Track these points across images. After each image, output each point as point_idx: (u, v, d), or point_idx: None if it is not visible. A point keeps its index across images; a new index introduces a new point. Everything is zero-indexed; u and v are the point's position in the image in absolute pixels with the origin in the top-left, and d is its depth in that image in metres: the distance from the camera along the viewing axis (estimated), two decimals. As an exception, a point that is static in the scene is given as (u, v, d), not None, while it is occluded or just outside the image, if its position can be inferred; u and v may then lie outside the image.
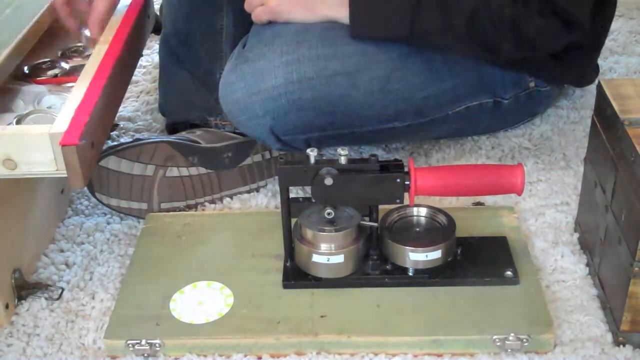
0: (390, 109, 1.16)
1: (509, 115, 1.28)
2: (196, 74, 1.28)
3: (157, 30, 1.62)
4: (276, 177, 1.22)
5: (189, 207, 1.18)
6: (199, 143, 1.19)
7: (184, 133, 1.23)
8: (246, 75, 1.11)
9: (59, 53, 1.23)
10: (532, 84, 1.25)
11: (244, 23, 1.23)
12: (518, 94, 1.24)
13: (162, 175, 1.16)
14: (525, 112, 1.31)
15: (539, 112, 1.35)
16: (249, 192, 1.22)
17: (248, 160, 1.21)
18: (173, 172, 1.16)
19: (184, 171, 1.17)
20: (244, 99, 1.11)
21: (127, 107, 1.48)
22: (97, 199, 1.17)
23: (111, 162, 1.14)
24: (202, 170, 1.18)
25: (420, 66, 1.15)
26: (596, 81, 1.06)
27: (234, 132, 1.22)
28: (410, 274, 1.00)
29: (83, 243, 1.13)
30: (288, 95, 1.11)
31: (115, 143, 1.21)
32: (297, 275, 1.01)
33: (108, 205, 1.17)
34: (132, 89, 1.53)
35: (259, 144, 1.21)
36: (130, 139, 1.26)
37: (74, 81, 1.01)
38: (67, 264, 1.09)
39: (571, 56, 1.23)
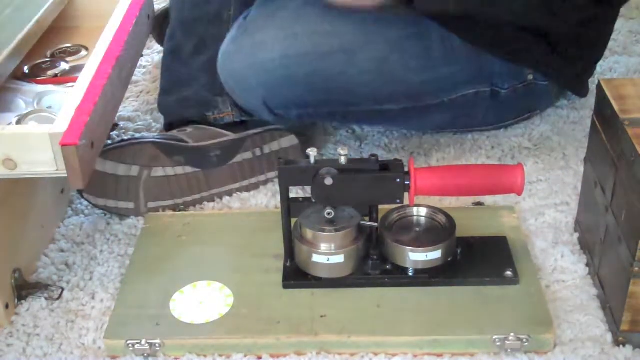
0: (385, 89, 1.16)
1: (507, 108, 1.28)
2: (198, 61, 1.27)
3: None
4: (268, 174, 1.23)
5: (177, 206, 1.18)
6: (185, 142, 1.18)
7: (175, 131, 1.23)
8: (244, 47, 1.11)
9: (49, 53, 1.24)
10: (530, 77, 1.25)
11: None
12: (516, 86, 1.24)
13: (148, 175, 1.16)
14: (523, 106, 1.31)
15: (538, 108, 1.35)
16: (239, 189, 1.22)
17: (238, 158, 1.20)
18: (158, 172, 1.16)
19: (170, 171, 1.17)
20: (241, 71, 1.12)
21: (127, 107, 1.48)
22: (86, 199, 1.17)
23: (96, 163, 1.14)
24: (189, 169, 1.18)
25: (418, 51, 1.16)
26: (596, 81, 1.06)
27: (230, 126, 1.22)
28: (410, 274, 1.00)
29: (83, 243, 1.13)
30: (283, 69, 1.11)
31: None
32: (297, 275, 1.01)
33: (96, 205, 1.17)
34: (132, 89, 1.53)
35: (249, 142, 1.21)
36: (120, 140, 1.27)
37: (74, 81, 1.01)
38: (67, 264, 1.09)
39: (570, 52, 1.23)
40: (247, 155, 1.21)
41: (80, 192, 1.17)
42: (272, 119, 1.18)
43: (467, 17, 1.15)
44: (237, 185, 1.21)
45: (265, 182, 1.23)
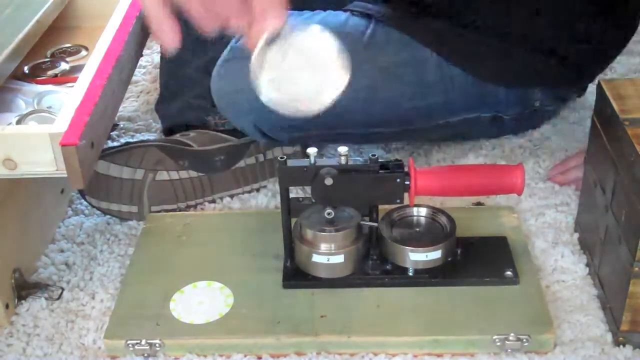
0: (375, 116, 1.15)
1: (508, 128, 1.28)
2: (198, 62, 1.25)
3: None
4: (270, 178, 1.23)
5: (180, 210, 1.18)
6: (190, 146, 1.18)
7: (177, 135, 1.22)
8: (233, 72, 1.11)
9: (49, 53, 1.24)
10: (537, 104, 1.22)
11: None
12: (521, 111, 1.22)
13: (152, 179, 1.15)
14: (525, 126, 1.31)
15: (538, 126, 1.34)
16: (242, 194, 1.22)
17: (241, 163, 1.20)
18: (163, 175, 1.16)
19: (174, 175, 1.16)
20: (230, 95, 1.12)
21: (127, 107, 1.48)
22: (88, 202, 1.17)
23: (100, 166, 1.13)
24: (193, 173, 1.17)
25: (412, 78, 1.14)
26: (596, 81, 1.06)
27: (231, 132, 1.22)
28: (410, 274, 1.00)
29: (83, 243, 1.13)
30: None
31: (104, 146, 1.20)
32: (297, 275, 1.01)
33: (98, 208, 1.16)
34: (132, 89, 1.53)
35: (252, 147, 1.21)
36: (123, 142, 1.25)
37: (74, 81, 1.01)
38: (67, 264, 1.09)
39: (583, 63, 1.19)
40: (251, 160, 1.21)
41: (82, 195, 1.17)
42: (263, 141, 1.18)
43: (472, 47, 1.13)
44: (239, 190, 1.21)
45: (266, 187, 1.23)
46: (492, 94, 1.19)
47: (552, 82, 1.20)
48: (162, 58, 1.34)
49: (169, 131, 1.30)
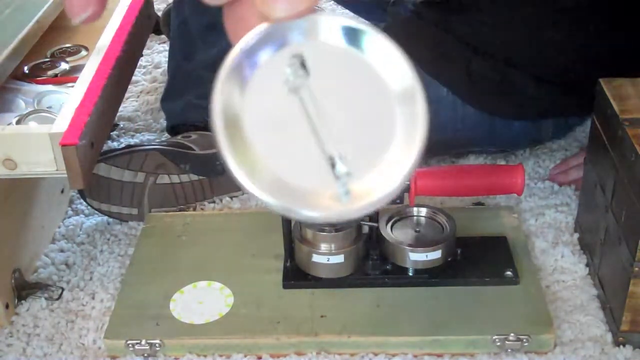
0: None
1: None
2: (206, 55, 1.25)
3: (157, 30, 1.62)
4: None
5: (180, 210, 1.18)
6: (192, 149, 1.18)
7: (179, 137, 1.22)
8: None
9: (49, 53, 1.23)
10: (547, 138, 1.22)
11: None
12: (528, 146, 1.21)
13: (153, 182, 1.15)
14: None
15: None
16: (242, 194, 1.22)
17: None
18: (164, 179, 1.16)
19: (175, 178, 1.16)
20: None
21: (127, 107, 1.48)
22: (88, 204, 1.17)
23: (101, 169, 1.14)
24: (194, 177, 1.17)
25: None
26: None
27: None
28: (410, 274, 1.00)
29: (83, 243, 1.13)
30: None
31: (105, 149, 1.20)
32: (297, 275, 1.00)
33: (99, 210, 1.16)
34: (132, 89, 1.53)
35: None
36: (123, 142, 1.25)
37: (74, 81, 1.01)
38: (67, 264, 1.09)
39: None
40: None
41: (83, 196, 1.17)
42: None
43: (489, 87, 1.11)
44: (239, 193, 1.21)
45: None
46: (504, 133, 1.18)
47: (571, 112, 1.19)
48: (170, 48, 1.34)
49: (172, 130, 1.30)
